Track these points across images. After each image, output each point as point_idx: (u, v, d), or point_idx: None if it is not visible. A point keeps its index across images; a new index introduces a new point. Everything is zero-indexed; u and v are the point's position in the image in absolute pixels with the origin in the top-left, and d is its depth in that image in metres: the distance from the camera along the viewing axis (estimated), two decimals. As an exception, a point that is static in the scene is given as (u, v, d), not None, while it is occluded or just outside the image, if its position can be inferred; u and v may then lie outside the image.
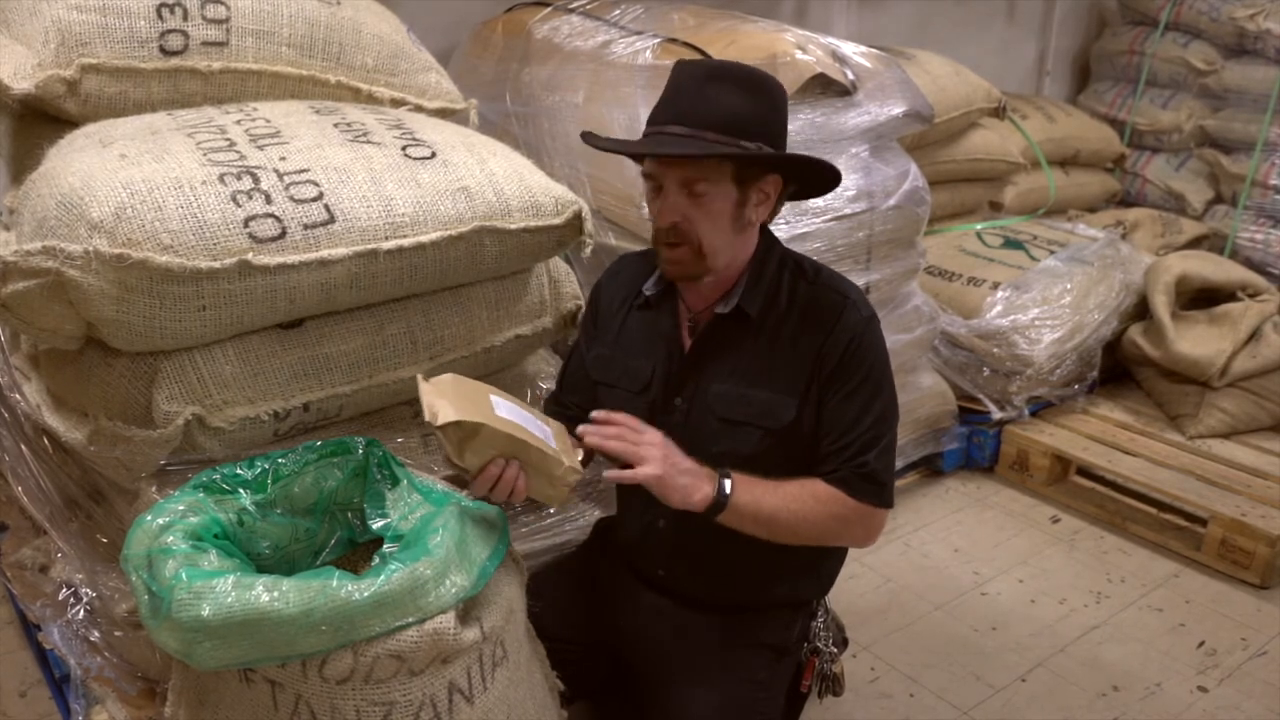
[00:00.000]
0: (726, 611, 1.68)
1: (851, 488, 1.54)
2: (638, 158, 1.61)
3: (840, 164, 2.46)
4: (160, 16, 1.71)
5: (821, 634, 1.75)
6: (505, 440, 1.37)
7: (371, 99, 1.90)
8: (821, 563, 1.70)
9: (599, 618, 1.76)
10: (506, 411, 1.41)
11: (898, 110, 2.49)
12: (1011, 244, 3.37)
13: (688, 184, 1.50)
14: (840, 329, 1.55)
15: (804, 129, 2.35)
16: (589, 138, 1.63)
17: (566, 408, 1.74)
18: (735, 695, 1.61)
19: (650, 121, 1.54)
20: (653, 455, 1.43)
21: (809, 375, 1.56)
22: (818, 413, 1.57)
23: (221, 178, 1.48)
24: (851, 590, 2.47)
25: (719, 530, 1.51)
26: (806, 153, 2.35)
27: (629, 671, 1.72)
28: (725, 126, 1.47)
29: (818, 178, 1.61)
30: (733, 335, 1.60)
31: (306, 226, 1.50)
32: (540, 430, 1.44)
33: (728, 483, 1.48)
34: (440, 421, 1.32)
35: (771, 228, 2.42)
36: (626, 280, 1.74)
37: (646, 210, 1.67)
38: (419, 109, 1.95)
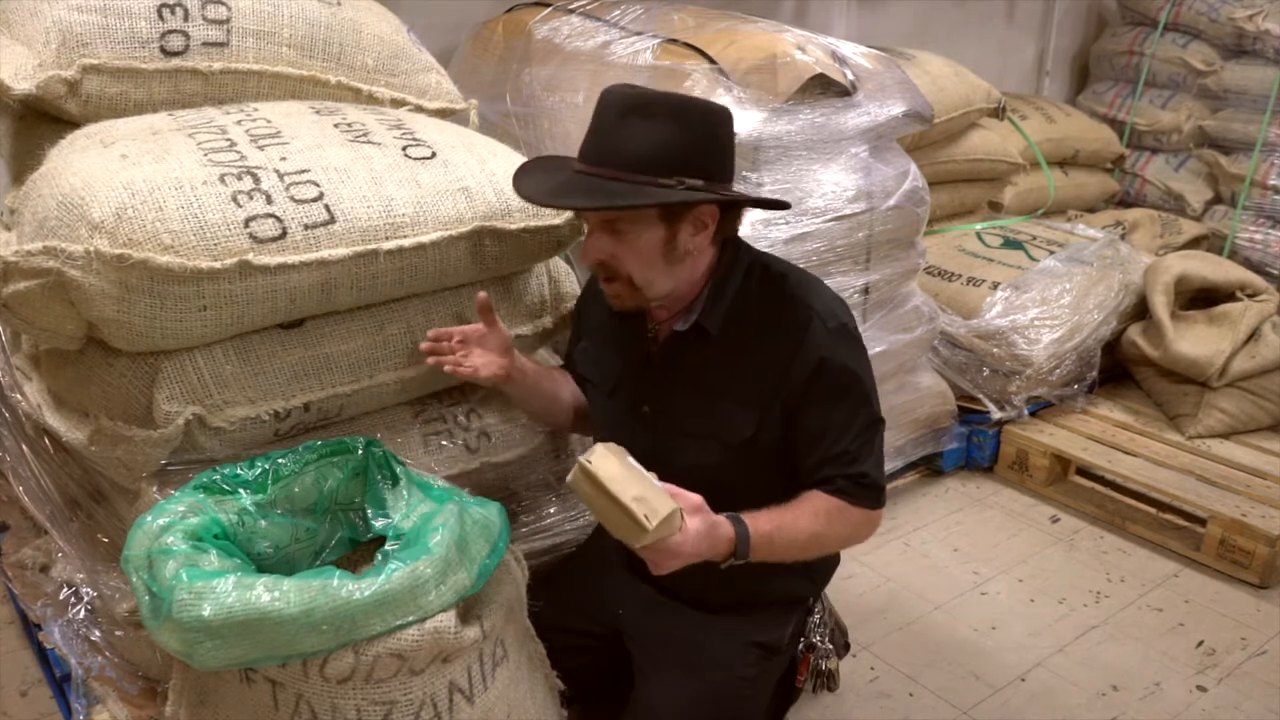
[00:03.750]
0: (720, 609, 1.69)
1: (853, 496, 1.54)
2: None
3: (840, 164, 2.49)
4: (161, 17, 1.72)
5: (818, 630, 1.75)
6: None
7: (372, 99, 1.91)
8: (814, 561, 1.70)
9: (600, 616, 1.76)
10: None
11: (897, 110, 2.49)
12: (1011, 244, 3.37)
13: (608, 224, 1.48)
14: (808, 346, 1.52)
15: (804, 129, 2.35)
16: (516, 182, 1.58)
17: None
18: (716, 688, 1.63)
19: (578, 155, 1.50)
20: (668, 565, 1.40)
21: (771, 390, 1.54)
22: (789, 428, 1.55)
23: (222, 178, 1.49)
24: (851, 590, 2.47)
25: None
26: (806, 154, 2.39)
27: (629, 670, 1.72)
28: (641, 165, 1.41)
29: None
30: (694, 348, 1.59)
31: (307, 227, 1.50)
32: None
33: (743, 527, 1.46)
34: (654, 526, 1.32)
35: (771, 228, 2.41)
36: None
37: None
38: (419, 109, 1.95)
